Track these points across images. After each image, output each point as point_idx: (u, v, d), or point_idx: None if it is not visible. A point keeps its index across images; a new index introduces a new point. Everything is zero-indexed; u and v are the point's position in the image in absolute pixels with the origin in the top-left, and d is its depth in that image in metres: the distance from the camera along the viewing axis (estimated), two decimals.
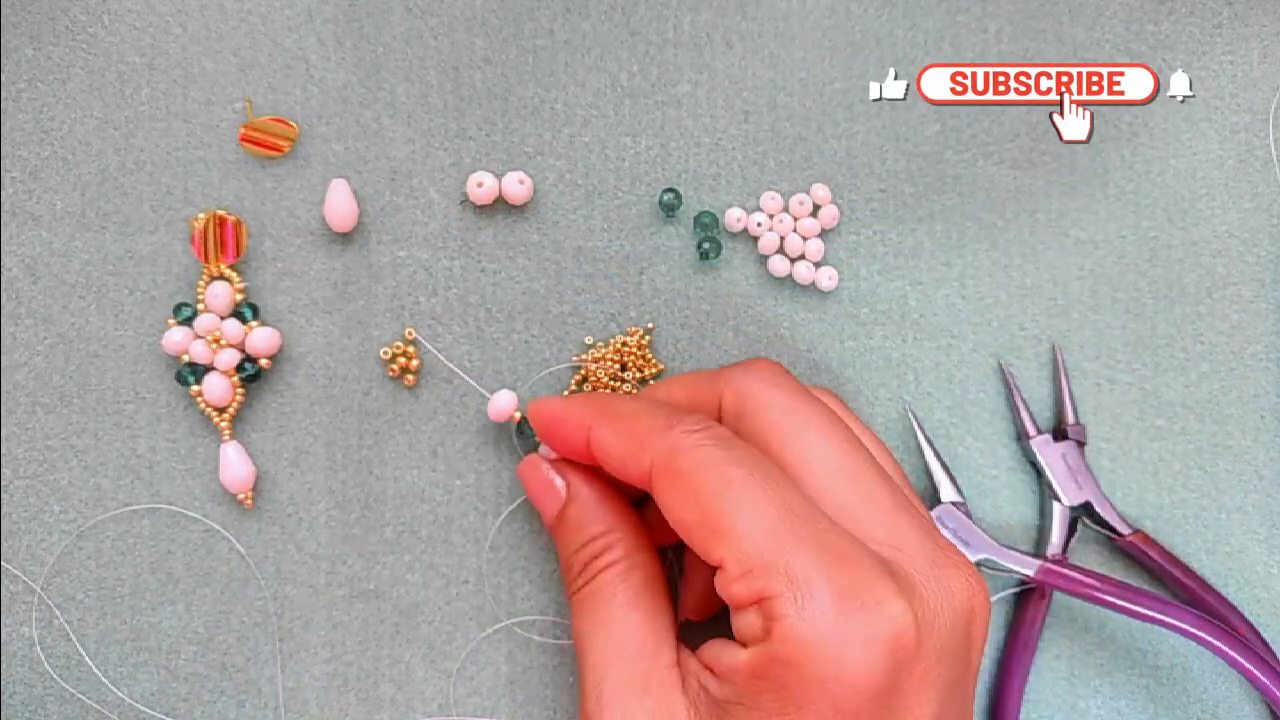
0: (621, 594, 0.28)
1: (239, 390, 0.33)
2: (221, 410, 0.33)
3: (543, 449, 0.32)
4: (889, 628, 0.23)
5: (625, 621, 0.28)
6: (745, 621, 0.25)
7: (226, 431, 0.33)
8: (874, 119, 0.36)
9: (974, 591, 0.26)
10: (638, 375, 0.34)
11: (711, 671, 0.26)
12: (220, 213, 0.33)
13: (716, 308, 0.35)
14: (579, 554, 0.30)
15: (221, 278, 0.33)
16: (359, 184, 0.34)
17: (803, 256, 0.35)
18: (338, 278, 0.34)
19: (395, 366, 0.34)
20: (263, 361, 0.33)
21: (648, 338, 0.35)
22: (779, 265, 0.35)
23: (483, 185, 0.34)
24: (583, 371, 0.34)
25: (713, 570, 0.26)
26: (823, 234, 0.35)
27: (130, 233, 0.34)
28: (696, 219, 0.35)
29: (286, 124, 0.34)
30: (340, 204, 0.34)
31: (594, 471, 0.30)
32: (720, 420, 0.30)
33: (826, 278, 0.35)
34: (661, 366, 0.35)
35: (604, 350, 0.34)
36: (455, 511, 0.34)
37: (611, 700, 0.27)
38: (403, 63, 0.35)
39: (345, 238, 0.34)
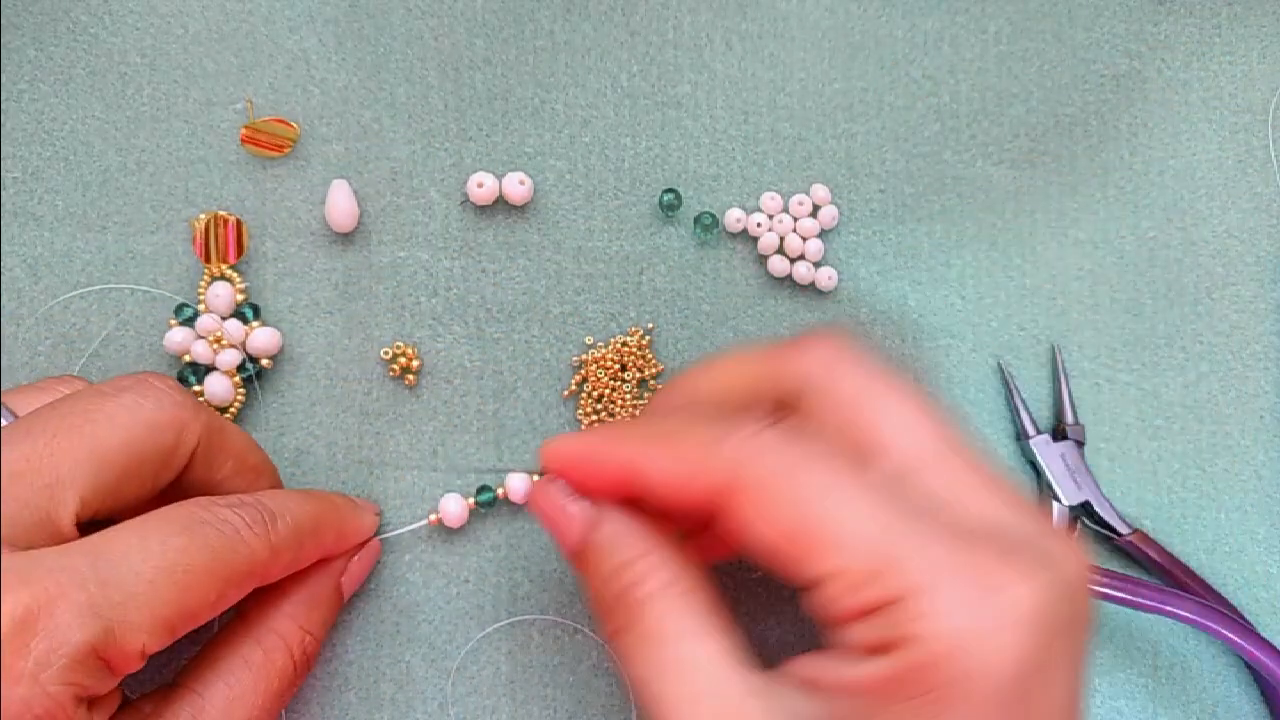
0: (684, 625, 0.24)
1: (240, 390, 0.33)
2: (223, 410, 0.33)
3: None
4: (1026, 608, 0.22)
5: (695, 658, 0.24)
6: (866, 631, 0.22)
7: None
8: (874, 119, 0.36)
9: (1082, 563, 0.24)
10: (638, 375, 0.34)
11: (818, 690, 0.23)
12: (221, 213, 0.34)
13: (716, 308, 0.35)
14: (617, 580, 0.25)
15: (223, 278, 0.33)
16: (360, 184, 0.35)
17: (802, 256, 0.35)
18: (339, 278, 0.34)
19: (396, 366, 0.34)
20: (264, 362, 0.33)
21: (648, 338, 0.35)
22: (779, 265, 0.35)
23: (483, 186, 0.34)
24: (583, 372, 0.34)
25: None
26: (822, 234, 0.35)
27: (131, 233, 0.34)
28: (696, 219, 0.35)
29: (287, 124, 0.34)
30: (341, 204, 0.34)
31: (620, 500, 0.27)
32: (784, 404, 0.27)
33: (826, 278, 0.35)
34: (661, 367, 0.35)
35: (604, 350, 0.34)
36: None
37: None
38: (403, 63, 0.35)
39: (346, 238, 0.34)
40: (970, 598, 0.22)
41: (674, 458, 0.25)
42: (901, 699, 0.22)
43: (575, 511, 0.27)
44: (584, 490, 0.27)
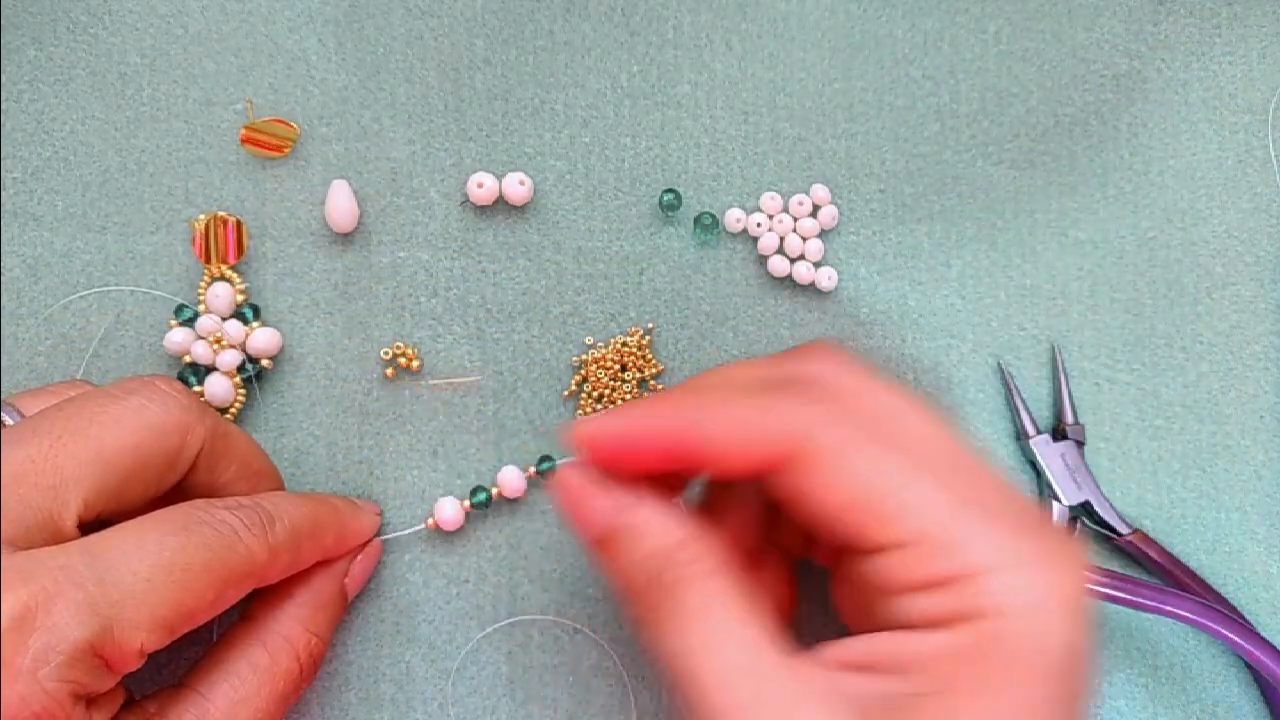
0: (725, 607, 0.24)
1: (240, 391, 0.33)
2: (223, 411, 0.33)
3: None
4: (1072, 591, 0.23)
5: (736, 637, 0.24)
6: (928, 603, 0.23)
7: None
8: (874, 119, 0.36)
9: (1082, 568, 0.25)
10: (638, 375, 0.34)
11: (868, 670, 0.23)
12: (221, 214, 0.34)
13: (716, 308, 0.35)
14: (654, 563, 0.25)
15: (223, 279, 0.33)
16: (360, 185, 0.35)
17: (802, 256, 0.35)
18: (339, 278, 0.34)
19: (395, 367, 0.34)
20: (264, 362, 0.33)
21: (648, 338, 0.35)
22: (779, 265, 0.35)
23: (483, 186, 0.34)
24: (583, 372, 0.34)
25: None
26: (822, 234, 0.35)
27: (131, 233, 0.34)
28: (696, 219, 0.35)
29: (287, 125, 0.34)
30: (341, 205, 0.34)
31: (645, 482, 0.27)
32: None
33: (826, 278, 0.35)
34: (661, 367, 0.35)
35: (604, 350, 0.34)
36: None
37: None
38: (403, 64, 0.35)
39: (346, 238, 0.34)
40: (1033, 579, 0.23)
41: (734, 420, 0.25)
42: (964, 674, 0.23)
43: (603, 496, 0.27)
44: (618, 472, 0.27)
